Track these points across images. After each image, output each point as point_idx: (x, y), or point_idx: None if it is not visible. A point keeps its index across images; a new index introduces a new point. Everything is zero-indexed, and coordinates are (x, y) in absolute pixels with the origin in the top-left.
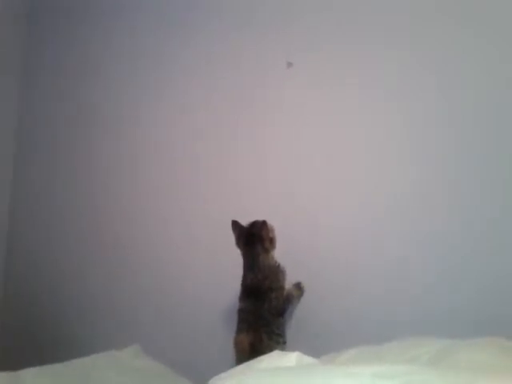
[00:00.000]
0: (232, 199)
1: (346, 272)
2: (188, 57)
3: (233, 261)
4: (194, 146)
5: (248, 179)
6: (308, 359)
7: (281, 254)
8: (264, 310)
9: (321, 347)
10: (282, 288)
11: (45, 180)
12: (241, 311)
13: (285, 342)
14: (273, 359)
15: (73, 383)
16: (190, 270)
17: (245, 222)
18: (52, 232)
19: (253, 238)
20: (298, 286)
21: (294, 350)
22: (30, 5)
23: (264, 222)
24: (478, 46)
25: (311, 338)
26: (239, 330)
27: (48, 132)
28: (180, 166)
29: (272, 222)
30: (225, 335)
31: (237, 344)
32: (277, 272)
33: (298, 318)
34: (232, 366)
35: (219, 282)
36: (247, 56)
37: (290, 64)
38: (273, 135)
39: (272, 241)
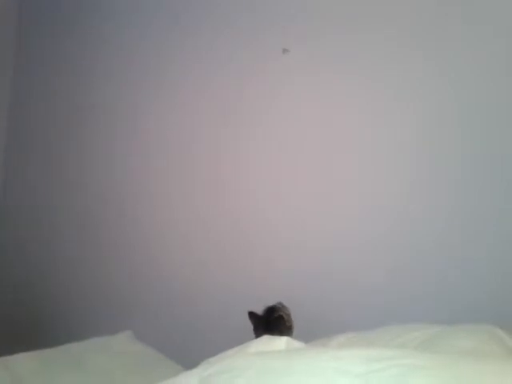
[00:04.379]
0: (229, 195)
1: (345, 272)
2: (183, 52)
3: (230, 249)
4: (189, 146)
5: (248, 178)
6: (298, 344)
7: (278, 251)
8: None
9: None
10: None
11: (38, 176)
12: None
13: None
14: (262, 344)
15: (64, 367)
16: (186, 257)
17: (246, 218)
18: (45, 219)
19: (271, 329)
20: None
21: None
22: (22, 2)
23: (281, 317)
24: (478, 46)
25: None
26: None
27: (41, 131)
28: (178, 163)
29: (272, 219)
30: (219, 322)
31: None
32: None
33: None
34: None
35: (215, 269)
36: (242, 51)
37: (286, 50)
38: (269, 134)
39: (290, 328)
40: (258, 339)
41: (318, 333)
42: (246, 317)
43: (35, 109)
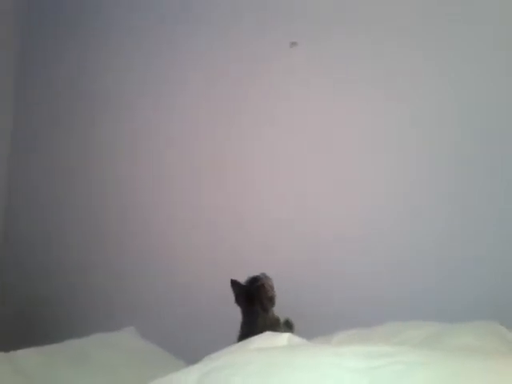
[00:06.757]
0: (234, 195)
1: (345, 272)
2: (187, 52)
3: (233, 246)
4: (193, 145)
5: (252, 178)
6: (299, 340)
7: (283, 251)
8: None
9: None
10: None
11: (42, 173)
12: None
13: None
14: (264, 340)
15: (69, 363)
16: (189, 254)
17: (250, 217)
18: (49, 219)
19: (252, 298)
20: (288, 325)
21: None
22: (27, 3)
23: (262, 286)
24: (478, 46)
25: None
26: None
27: (44, 132)
28: (182, 162)
29: (276, 219)
30: (222, 319)
31: None
32: (276, 328)
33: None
34: None
35: (218, 267)
36: (247, 50)
37: (293, 43)
38: (273, 134)
39: (271, 299)
40: (260, 335)
41: (317, 332)
42: None
43: (39, 110)
